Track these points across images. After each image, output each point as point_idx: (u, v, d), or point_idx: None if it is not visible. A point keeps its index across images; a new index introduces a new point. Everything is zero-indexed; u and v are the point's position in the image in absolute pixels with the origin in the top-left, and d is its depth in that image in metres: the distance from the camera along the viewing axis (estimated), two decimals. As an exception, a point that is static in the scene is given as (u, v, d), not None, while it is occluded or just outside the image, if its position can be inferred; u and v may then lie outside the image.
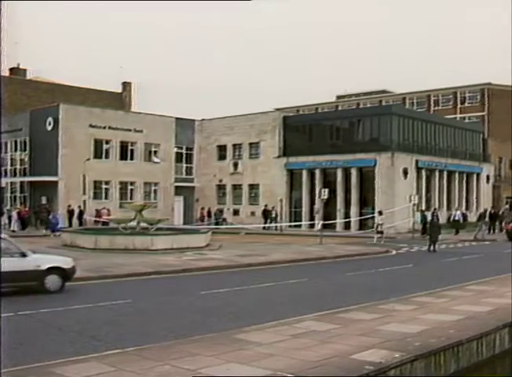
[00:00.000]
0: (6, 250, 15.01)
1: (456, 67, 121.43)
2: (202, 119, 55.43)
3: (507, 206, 48.23)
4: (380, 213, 37.22)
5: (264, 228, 46.44)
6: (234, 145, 53.14)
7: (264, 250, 29.50)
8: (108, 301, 14.68)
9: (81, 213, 44.75)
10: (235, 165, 52.53)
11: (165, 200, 51.44)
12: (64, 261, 16.57)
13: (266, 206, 48.37)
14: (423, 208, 41.43)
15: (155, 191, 51.62)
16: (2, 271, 13.31)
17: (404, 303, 13.81)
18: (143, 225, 31.09)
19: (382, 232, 35.34)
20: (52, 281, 15.91)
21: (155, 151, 51.71)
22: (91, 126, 47.44)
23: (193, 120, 55.04)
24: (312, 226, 45.45)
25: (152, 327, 11.98)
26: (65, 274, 16.23)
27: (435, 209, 44.34)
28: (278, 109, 68.28)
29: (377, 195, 44.40)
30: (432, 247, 30.47)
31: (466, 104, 72.99)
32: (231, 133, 52.80)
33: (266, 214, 48.08)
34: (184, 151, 53.89)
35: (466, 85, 72.90)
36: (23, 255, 15.58)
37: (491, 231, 43.23)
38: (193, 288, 17.38)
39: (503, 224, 43.36)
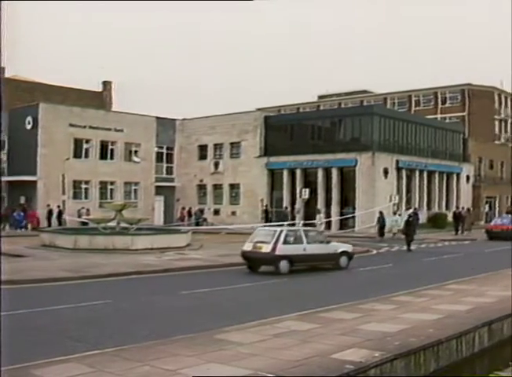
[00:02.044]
0: (315, 238, 22.22)
1: (437, 67, 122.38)
2: (184, 119, 55.35)
3: (466, 208, 47.33)
4: (319, 211, 36.36)
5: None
6: (215, 145, 53.05)
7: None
8: (89, 302, 14.60)
9: (60, 213, 44.44)
10: (216, 165, 52.48)
11: (145, 200, 51.26)
12: (349, 247, 23.25)
13: (267, 206, 48.06)
14: (382, 211, 40.26)
15: (135, 190, 51.41)
16: (317, 253, 21.56)
17: (383, 302, 13.89)
18: (123, 224, 30.93)
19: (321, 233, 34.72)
20: (343, 261, 22.48)
21: (136, 151, 51.49)
22: (71, 125, 47.12)
23: (174, 120, 54.90)
24: (292, 226, 45.53)
25: (133, 327, 11.94)
26: (350, 256, 22.83)
27: (415, 208, 44.63)
28: (259, 109, 68.13)
29: (357, 195, 44.61)
30: (409, 246, 30.77)
31: (447, 105, 73.59)
32: (212, 132, 52.76)
33: (268, 214, 47.61)
34: (164, 150, 53.74)
35: (447, 85, 73.54)
36: (328, 243, 22.47)
37: (457, 232, 42.44)
38: (174, 288, 17.34)
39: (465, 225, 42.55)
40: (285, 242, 20.86)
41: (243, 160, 51.14)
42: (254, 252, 21.09)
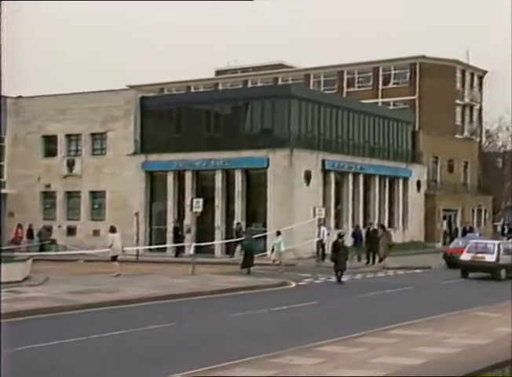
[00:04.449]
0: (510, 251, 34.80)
1: (379, 34, 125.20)
2: (19, 97, 53.87)
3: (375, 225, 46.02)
4: (113, 230, 35.93)
5: (177, 254, 45.68)
6: (68, 136, 52.15)
7: (112, 283, 29.19)
8: None
9: None
10: (71, 164, 51.56)
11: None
12: None
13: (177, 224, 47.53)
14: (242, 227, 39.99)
15: None
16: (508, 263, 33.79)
17: (305, 355, 13.87)
18: None
19: (115, 259, 33.55)
20: None
21: None
22: None
23: (4, 97, 53.41)
24: (180, 250, 45.57)
25: None
26: None
27: (357, 226, 45.26)
28: (133, 86, 67.65)
29: (270, 207, 44.89)
30: (339, 278, 31.40)
31: (391, 85, 75.42)
32: (63, 118, 51.63)
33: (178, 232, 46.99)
34: (-11, 142, 52.25)
35: (392, 58, 75.23)
36: None
37: (368, 260, 41.40)
38: (3, 342, 16.70)
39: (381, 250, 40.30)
40: (504, 253, 33.49)
41: (109, 158, 50.52)
42: (475, 261, 33.49)
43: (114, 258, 33.61)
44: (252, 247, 37.09)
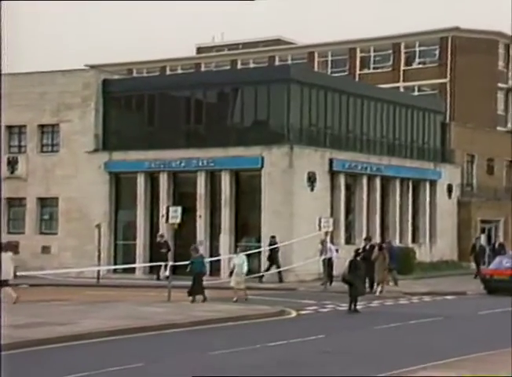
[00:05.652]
0: None
1: (399, 2, 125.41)
2: None
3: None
4: (12, 248, 35.54)
5: (158, 277, 45.30)
6: (9, 128, 51.78)
7: (65, 313, 29.06)
8: None
9: None
10: (13, 163, 51.36)
11: None
12: None
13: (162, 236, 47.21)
14: (198, 246, 39.89)
15: None
16: None
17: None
18: None
19: (4, 284, 32.49)
20: None
21: None
22: None
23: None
24: (154, 271, 45.68)
25: None
26: None
27: (389, 242, 44.95)
28: (94, 66, 67.49)
29: (264, 218, 44.86)
30: (353, 305, 31.21)
31: (416, 65, 75.31)
32: (3, 105, 51.31)
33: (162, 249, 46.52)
34: None
35: (416, 32, 75.14)
36: None
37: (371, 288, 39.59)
38: None
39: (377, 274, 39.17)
40: None
41: (63, 157, 50.49)
42: None
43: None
44: (202, 269, 36.14)
